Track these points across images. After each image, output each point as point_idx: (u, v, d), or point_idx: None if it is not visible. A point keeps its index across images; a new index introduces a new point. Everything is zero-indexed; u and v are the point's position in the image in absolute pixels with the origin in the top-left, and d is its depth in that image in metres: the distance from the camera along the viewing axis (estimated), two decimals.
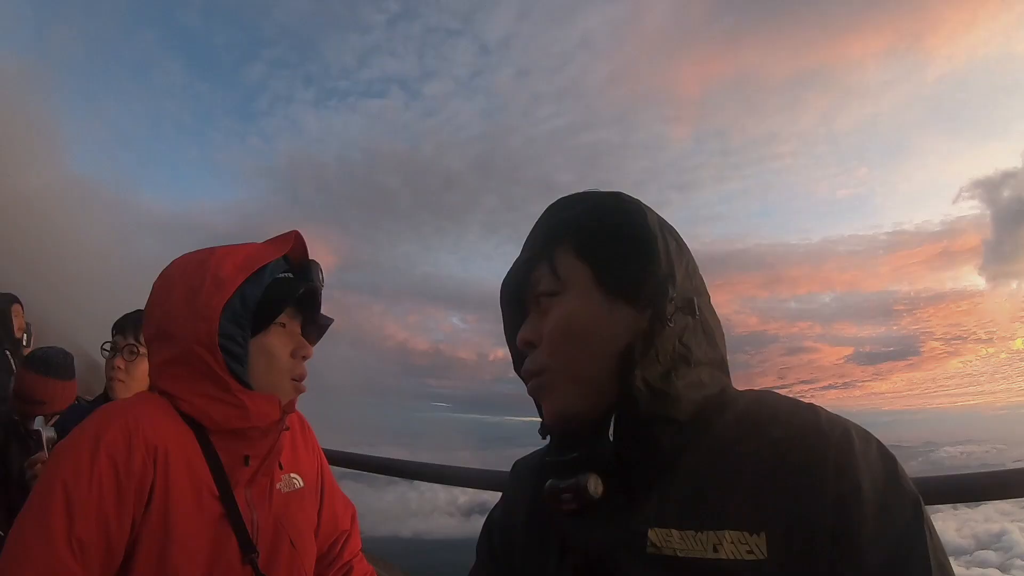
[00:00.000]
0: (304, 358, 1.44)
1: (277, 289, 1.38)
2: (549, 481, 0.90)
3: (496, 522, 1.10)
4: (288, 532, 1.42)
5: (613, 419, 0.87)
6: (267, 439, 1.38)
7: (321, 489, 1.63)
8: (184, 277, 1.33)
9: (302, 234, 1.47)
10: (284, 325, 1.40)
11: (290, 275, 1.43)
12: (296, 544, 1.43)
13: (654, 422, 0.86)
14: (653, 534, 0.83)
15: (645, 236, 0.91)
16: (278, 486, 1.45)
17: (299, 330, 1.44)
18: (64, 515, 1.14)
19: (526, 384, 0.96)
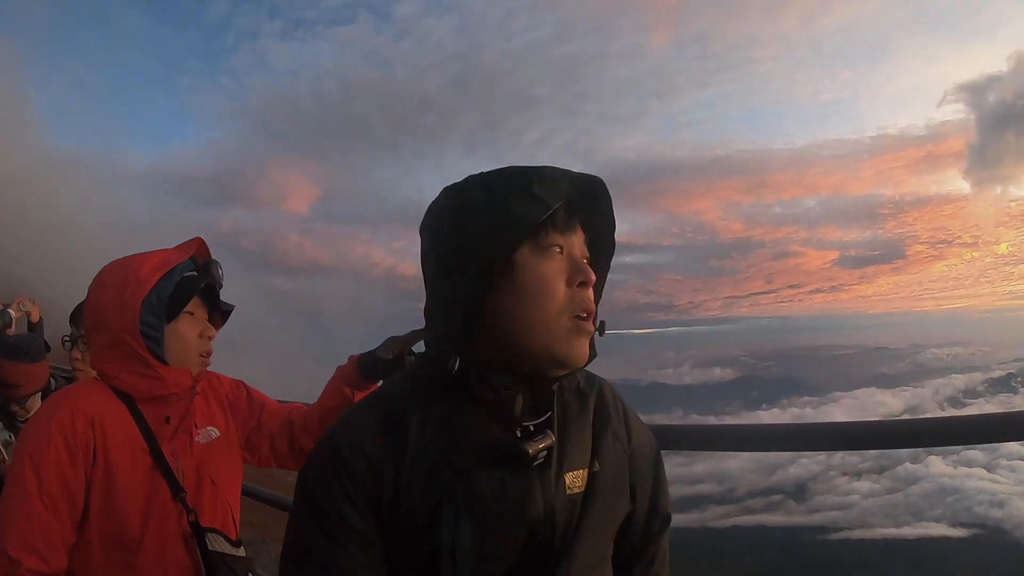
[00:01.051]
0: (209, 338, 1.87)
1: (184, 285, 1.79)
2: (532, 442, 1.07)
3: (365, 457, 1.07)
4: (209, 474, 1.84)
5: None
6: (183, 402, 1.80)
7: (249, 408, 2.06)
8: (113, 278, 1.74)
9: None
10: (192, 313, 1.81)
11: (195, 273, 1.85)
12: (217, 482, 1.85)
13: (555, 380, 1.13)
14: (568, 476, 1.12)
15: (614, 242, 1.19)
16: (197, 439, 1.85)
17: (206, 317, 1.87)
18: (35, 478, 1.58)
19: (584, 314, 1.08)
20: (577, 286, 1.07)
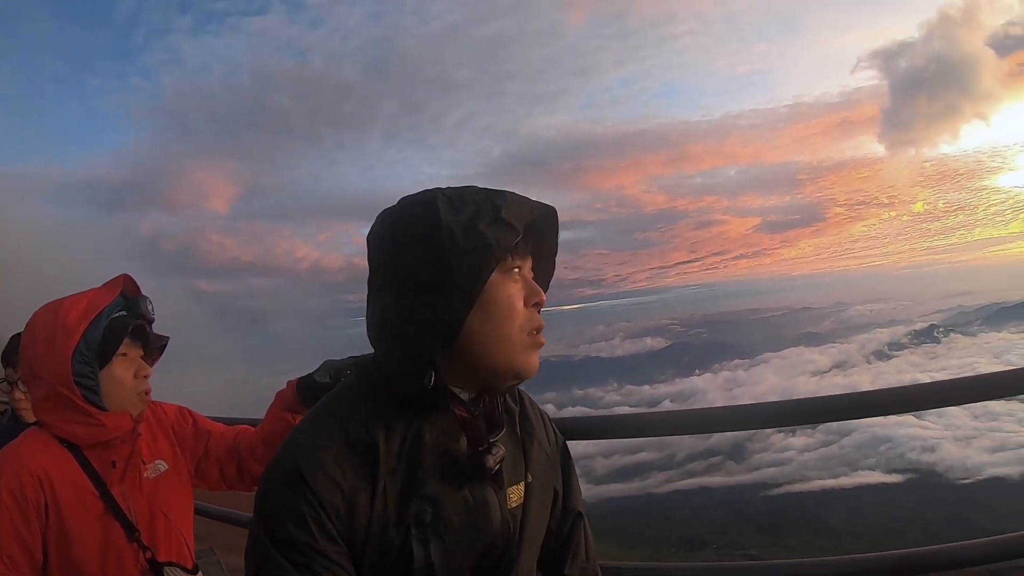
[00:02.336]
0: (145, 376, 1.88)
1: (112, 329, 1.79)
2: (490, 455, 1.15)
3: (336, 486, 1.09)
4: (161, 508, 1.89)
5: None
6: (127, 445, 1.84)
7: (196, 436, 2.08)
8: (42, 328, 1.77)
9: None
10: (125, 354, 1.82)
11: (124, 312, 1.86)
12: (169, 515, 1.91)
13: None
14: (510, 491, 1.24)
15: (554, 267, 1.34)
16: (146, 474, 1.89)
17: (140, 355, 1.88)
18: None
19: (538, 332, 1.19)
20: (532, 306, 1.18)
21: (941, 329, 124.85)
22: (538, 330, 1.18)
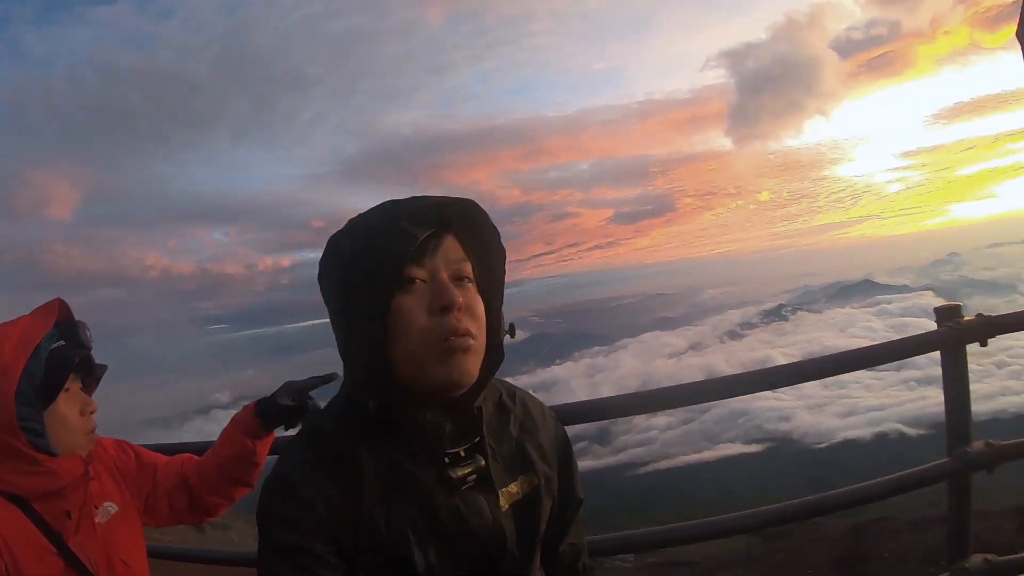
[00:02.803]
0: (91, 412, 1.72)
1: (55, 362, 1.61)
2: (458, 468, 1.20)
3: (323, 496, 1.14)
4: (118, 554, 1.75)
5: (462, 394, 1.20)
6: (79, 491, 1.67)
7: (140, 471, 1.92)
8: None
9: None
10: (68, 389, 1.64)
11: (62, 342, 1.66)
12: (127, 560, 1.78)
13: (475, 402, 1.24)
14: (501, 494, 1.25)
15: (504, 268, 1.30)
16: (97, 520, 1.73)
17: (80, 387, 1.71)
18: None
19: (453, 337, 1.13)
20: (440, 311, 1.13)
21: (789, 308, 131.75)
22: (452, 334, 1.13)
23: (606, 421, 69.36)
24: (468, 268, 1.21)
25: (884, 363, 2.66)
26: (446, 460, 1.20)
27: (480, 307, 1.21)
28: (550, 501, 1.35)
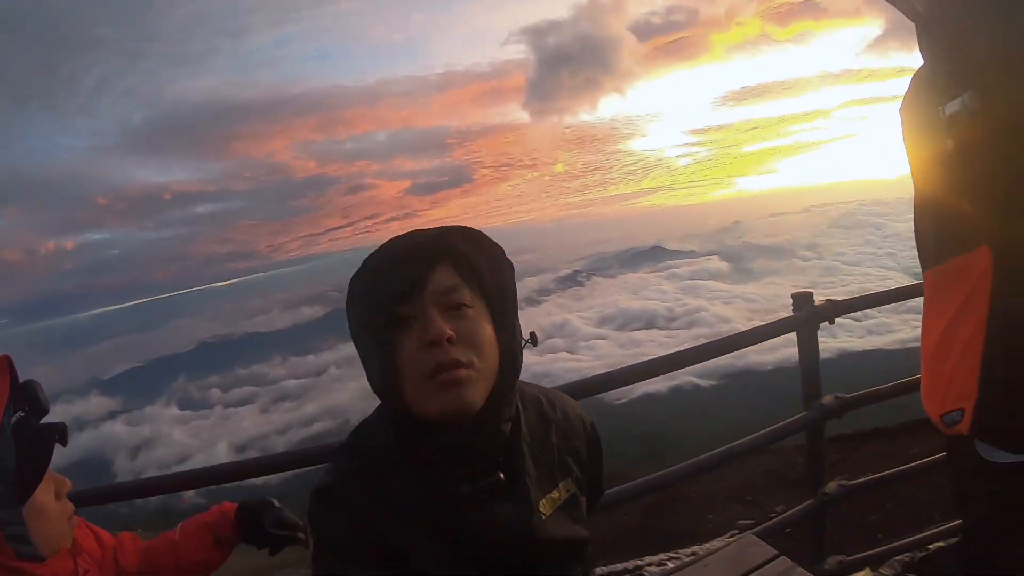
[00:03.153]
0: (66, 492, 1.43)
1: (29, 443, 1.29)
2: (467, 485, 1.24)
3: (361, 503, 1.22)
4: None
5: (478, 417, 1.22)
6: None
7: (104, 553, 1.64)
8: None
9: None
10: None
11: (21, 413, 1.33)
12: None
13: (502, 419, 1.28)
14: (545, 500, 1.32)
15: (513, 282, 1.34)
16: None
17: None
18: None
19: (447, 370, 1.17)
20: (429, 346, 1.17)
21: (584, 274, 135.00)
22: (443, 368, 1.17)
23: None
24: (464, 295, 1.25)
25: (749, 346, 3.08)
26: (472, 477, 1.25)
27: (482, 330, 1.24)
28: (585, 499, 1.44)
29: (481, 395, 1.22)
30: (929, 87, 1.43)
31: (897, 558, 3.50)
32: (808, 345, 3.10)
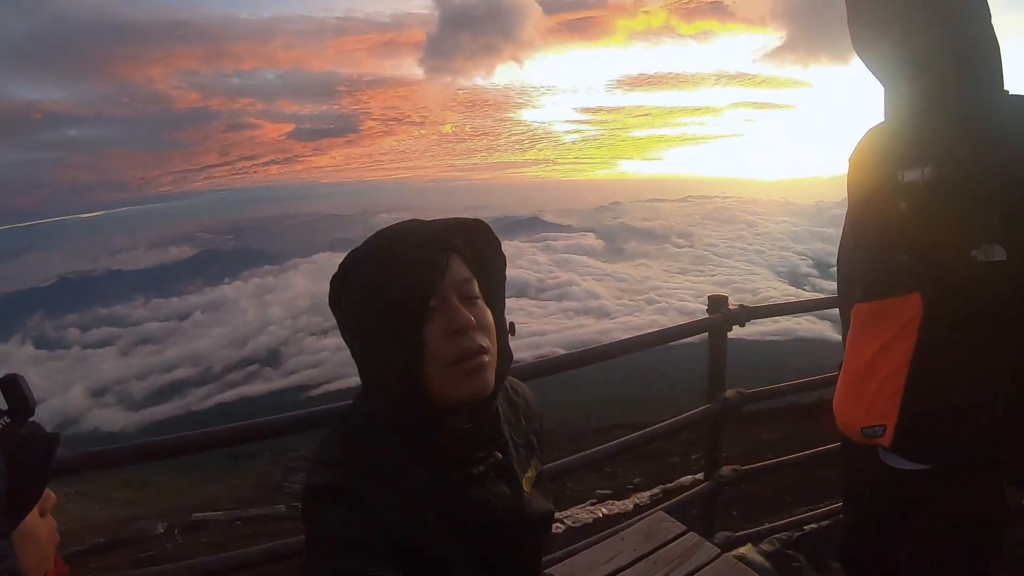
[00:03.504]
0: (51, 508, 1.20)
1: (20, 462, 1.03)
2: (477, 467, 1.30)
3: (368, 497, 1.17)
4: None
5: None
6: None
7: None
8: None
9: None
10: None
11: (7, 419, 1.05)
12: None
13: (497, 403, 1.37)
14: (524, 480, 1.38)
15: (505, 275, 1.39)
16: None
17: None
18: None
19: (470, 357, 1.22)
20: (455, 334, 1.21)
21: None
22: (469, 355, 1.22)
23: (277, 343, 68.06)
24: (475, 286, 1.29)
25: (663, 344, 3.14)
26: (473, 460, 1.31)
27: (491, 318, 1.30)
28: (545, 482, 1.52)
29: (494, 378, 1.28)
30: (890, 150, 1.70)
31: (776, 536, 3.84)
32: (718, 346, 3.35)
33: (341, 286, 1.27)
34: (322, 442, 1.29)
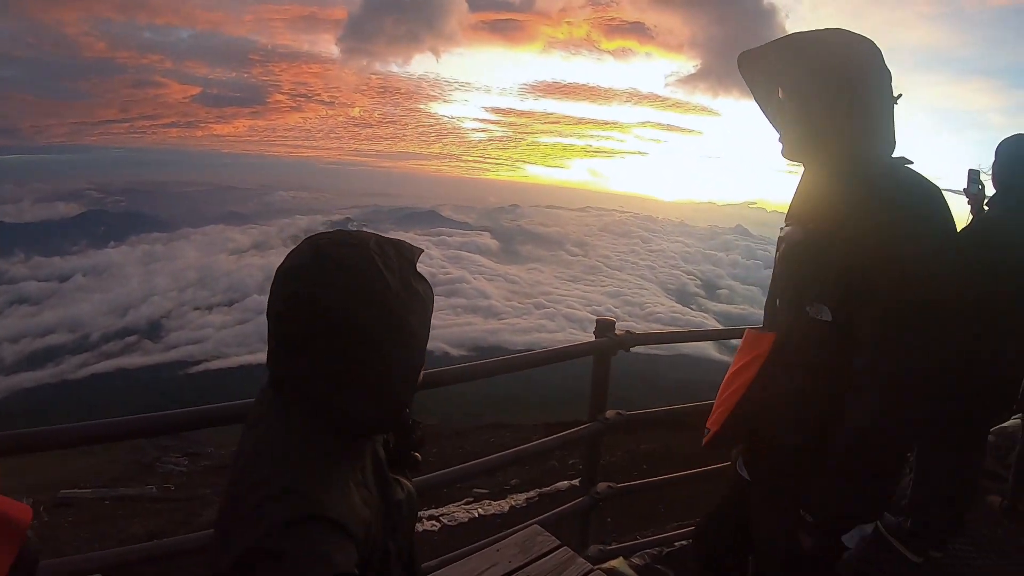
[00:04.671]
0: None
1: None
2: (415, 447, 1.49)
3: (357, 513, 1.19)
4: None
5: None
6: None
7: None
8: None
9: None
10: None
11: None
12: None
13: None
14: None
15: None
16: None
17: None
18: None
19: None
20: None
21: (355, 223, 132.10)
22: None
23: (159, 315, 65.53)
24: None
25: (550, 363, 3.20)
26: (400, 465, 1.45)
27: None
28: None
29: None
30: (803, 284, 1.78)
31: (647, 551, 3.95)
32: (601, 367, 3.41)
33: (338, 274, 1.14)
34: (262, 464, 1.14)
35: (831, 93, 1.66)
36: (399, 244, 1.25)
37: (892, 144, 1.72)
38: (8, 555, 0.99)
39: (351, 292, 1.14)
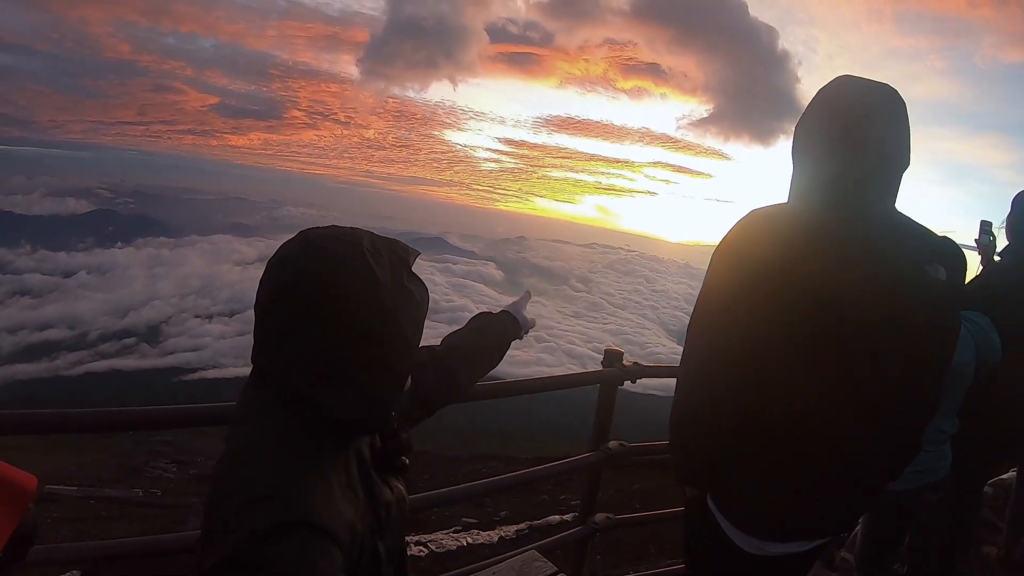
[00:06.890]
0: None
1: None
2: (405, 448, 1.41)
3: (344, 519, 1.15)
4: None
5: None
6: None
7: None
8: None
9: None
10: None
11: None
12: None
13: None
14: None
15: None
16: None
17: None
18: None
19: None
20: None
21: None
22: None
23: (159, 319, 65.63)
24: None
25: (555, 390, 3.12)
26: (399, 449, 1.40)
27: None
28: None
29: None
30: None
31: None
32: (607, 397, 3.37)
33: (344, 327, 1.11)
34: (245, 467, 1.11)
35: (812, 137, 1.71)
36: (394, 243, 1.24)
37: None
38: (13, 519, 1.00)
39: (338, 284, 1.12)
